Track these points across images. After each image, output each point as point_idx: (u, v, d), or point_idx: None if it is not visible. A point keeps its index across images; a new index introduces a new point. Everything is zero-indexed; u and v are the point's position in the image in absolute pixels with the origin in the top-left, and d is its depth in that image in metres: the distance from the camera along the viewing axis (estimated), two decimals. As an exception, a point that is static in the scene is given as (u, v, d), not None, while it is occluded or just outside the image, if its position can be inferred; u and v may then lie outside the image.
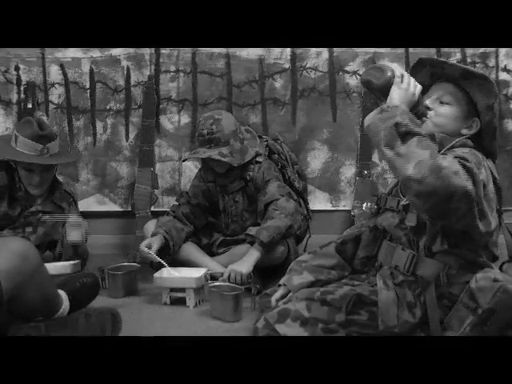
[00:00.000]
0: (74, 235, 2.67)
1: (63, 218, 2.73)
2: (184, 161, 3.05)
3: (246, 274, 2.54)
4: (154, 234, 2.79)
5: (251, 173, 2.85)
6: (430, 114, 1.84)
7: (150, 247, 2.67)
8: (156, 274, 2.52)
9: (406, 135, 1.56)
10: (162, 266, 2.57)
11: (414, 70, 1.89)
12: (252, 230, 2.70)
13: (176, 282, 2.49)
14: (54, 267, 2.46)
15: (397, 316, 1.72)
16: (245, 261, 2.60)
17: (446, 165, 1.49)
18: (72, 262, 2.58)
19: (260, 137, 3.01)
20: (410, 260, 1.81)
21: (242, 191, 2.90)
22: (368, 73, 1.72)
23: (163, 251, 2.73)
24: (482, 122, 1.84)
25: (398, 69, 1.71)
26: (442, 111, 1.85)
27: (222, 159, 2.73)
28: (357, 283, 1.92)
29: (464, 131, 1.86)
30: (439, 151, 1.65)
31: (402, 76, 1.69)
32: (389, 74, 1.68)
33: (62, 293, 2.03)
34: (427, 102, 1.85)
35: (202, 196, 2.98)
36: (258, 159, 2.86)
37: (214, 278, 2.58)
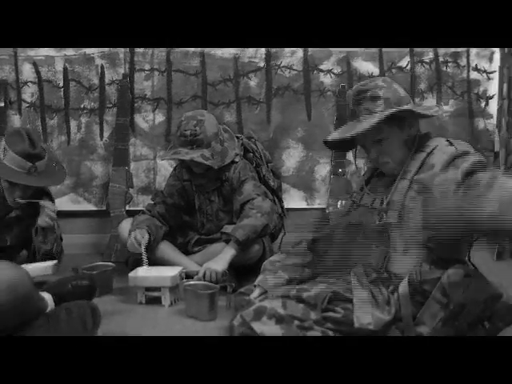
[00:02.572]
0: (41, 219, 2.63)
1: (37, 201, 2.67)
2: (163, 160, 3.02)
3: (221, 271, 2.54)
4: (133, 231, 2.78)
5: (227, 173, 2.84)
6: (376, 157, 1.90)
7: (139, 241, 2.68)
8: (131, 274, 2.51)
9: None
10: (138, 264, 2.57)
11: None
12: (228, 229, 2.70)
13: (151, 281, 2.48)
14: (35, 269, 2.43)
15: (371, 313, 1.74)
16: (220, 258, 2.60)
17: None
18: (52, 263, 2.55)
19: (236, 136, 3.01)
20: (383, 257, 1.83)
21: (217, 191, 2.89)
22: None
23: (147, 247, 2.72)
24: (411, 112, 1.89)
25: None
26: (386, 148, 1.89)
27: (205, 162, 2.71)
28: (332, 281, 1.94)
29: (412, 132, 1.90)
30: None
31: None
32: None
33: (46, 296, 1.98)
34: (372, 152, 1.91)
35: (177, 195, 2.98)
36: (235, 159, 2.86)
37: (189, 276, 2.58)
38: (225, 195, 2.88)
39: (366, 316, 1.73)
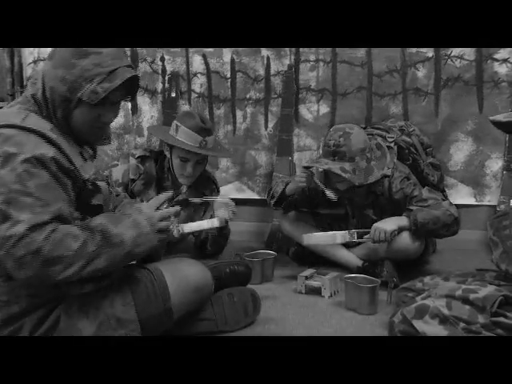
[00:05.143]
0: (221, 212, 2.73)
1: (211, 200, 2.81)
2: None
3: (390, 231, 2.50)
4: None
5: (381, 187, 2.71)
6: None
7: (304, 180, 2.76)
8: (304, 235, 2.65)
9: None
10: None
11: None
12: (413, 206, 2.61)
13: (323, 239, 2.62)
14: (202, 224, 2.53)
15: None
16: (391, 220, 2.57)
17: None
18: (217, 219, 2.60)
19: (387, 131, 2.89)
20: None
21: (372, 204, 2.80)
22: None
23: None
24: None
25: None
26: None
27: (342, 174, 2.59)
28: (503, 283, 1.83)
29: None
30: None
31: None
32: None
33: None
34: None
35: (321, 196, 2.86)
36: (386, 173, 2.69)
37: (360, 236, 2.60)
38: (382, 207, 2.77)
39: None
